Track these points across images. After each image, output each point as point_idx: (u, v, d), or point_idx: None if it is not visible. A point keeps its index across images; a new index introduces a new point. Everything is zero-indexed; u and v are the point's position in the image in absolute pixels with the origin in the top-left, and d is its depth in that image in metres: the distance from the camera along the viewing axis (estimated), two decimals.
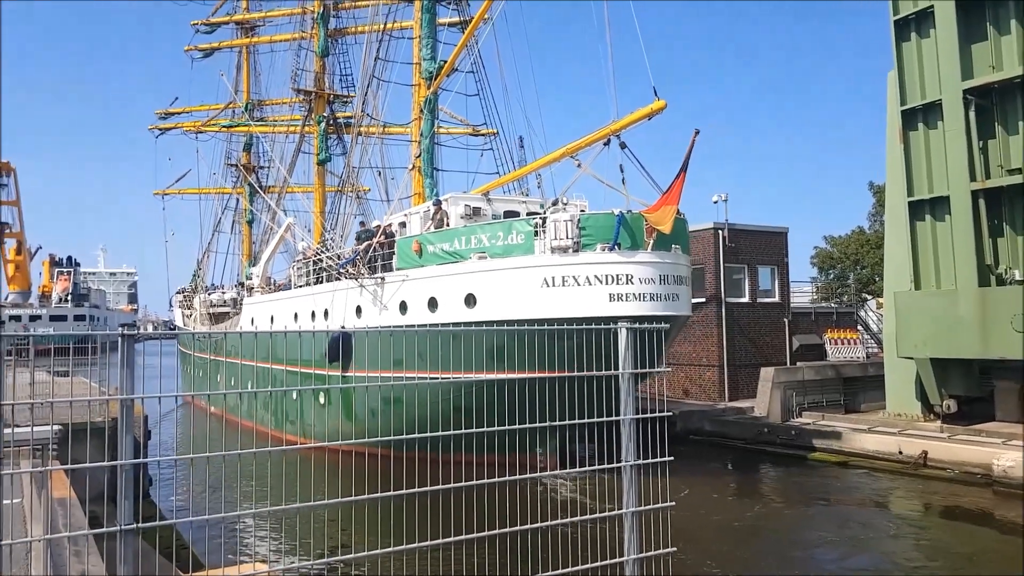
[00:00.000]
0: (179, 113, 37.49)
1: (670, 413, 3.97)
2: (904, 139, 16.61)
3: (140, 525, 2.92)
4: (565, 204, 14.99)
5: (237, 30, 35.33)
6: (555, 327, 4.86)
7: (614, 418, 3.74)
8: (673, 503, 3.80)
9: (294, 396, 18.68)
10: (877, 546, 10.53)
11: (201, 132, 35.23)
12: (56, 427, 7.04)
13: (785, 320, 22.43)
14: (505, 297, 13.71)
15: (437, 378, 11.95)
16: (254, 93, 35.54)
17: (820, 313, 24.49)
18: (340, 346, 16.40)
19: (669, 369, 21.06)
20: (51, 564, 4.53)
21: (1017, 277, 14.80)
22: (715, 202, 22.31)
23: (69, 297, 76.68)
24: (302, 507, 3.48)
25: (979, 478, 13.53)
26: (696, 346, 21.50)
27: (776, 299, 22.53)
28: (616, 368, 3.81)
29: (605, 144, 14.38)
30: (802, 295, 26.67)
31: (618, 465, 3.68)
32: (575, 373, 4.17)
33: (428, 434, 3.69)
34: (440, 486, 3.65)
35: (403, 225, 17.72)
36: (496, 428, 4.02)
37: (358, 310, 16.76)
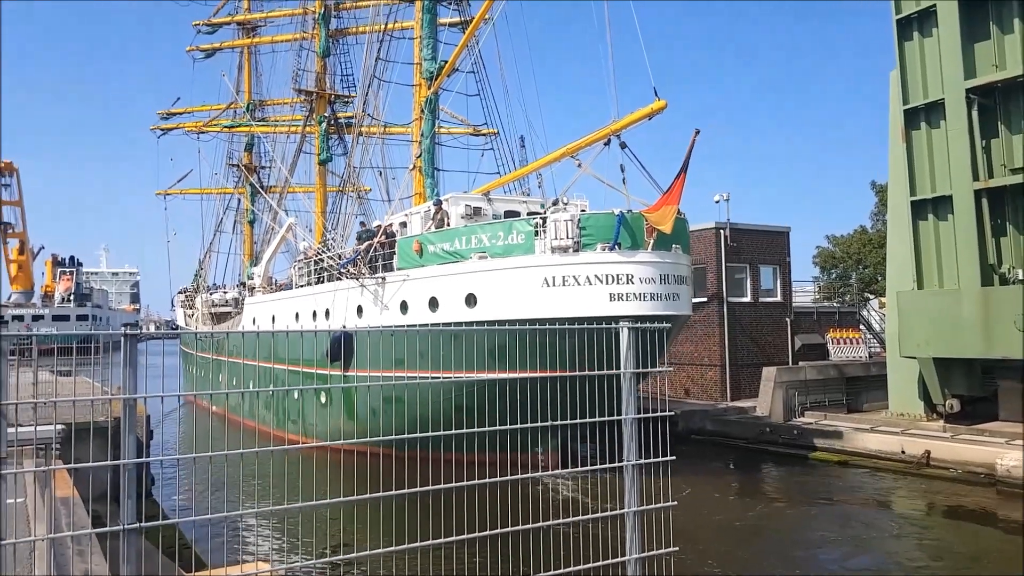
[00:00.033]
0: (181, 113, 37.58)
1: (672, 413, 3.97)
2: (907, 138, 16.57)
3: (143, 524, 2.93)
4: (566, 204, 14.99)
5: (238, 30, 35.39)
6: (556, 327, 4.85)
7: (616, 417, 3.74)
8: (675, 503, 3.80)
9: (295, 396, 18.70)
10: (880, 546, 10.51)
11: (203, 132, 35.32)
12: (59, 427, 7.06)
13: (787, 320, 22.40)
14: (505, 297, 13.72)
15: (439, 378, 11.98)
16: (255, 93, 35.61)
17: (822, 313, 24.46)
18: (341, 346, 16.42)
19: (671, 369, 21.05)
20: (54, 563, 4.54)
21: (1020, 277, 14.76)
22: (717, 201, 22.30)
23: (72, 297, 76.88)
24: (304, 506, 3.49)
25: (982, 478, 13.50)
26: (698, 346, 21.48)
27: (778, 298, 22.50)
28: (617, 367, 3.81)
29: (605, 144, 14.38)
30: (804, 295, 26.63)
31: (620, 464, 3.68)
32: (576, 373, 4.16)
33: (430, 433, 3.69)
34: (442, 485, 3.65)
35: (404, 225, 17.73)
36: (497, 428, 4.02)
37: (359, 310, 16.78)
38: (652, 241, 13.48)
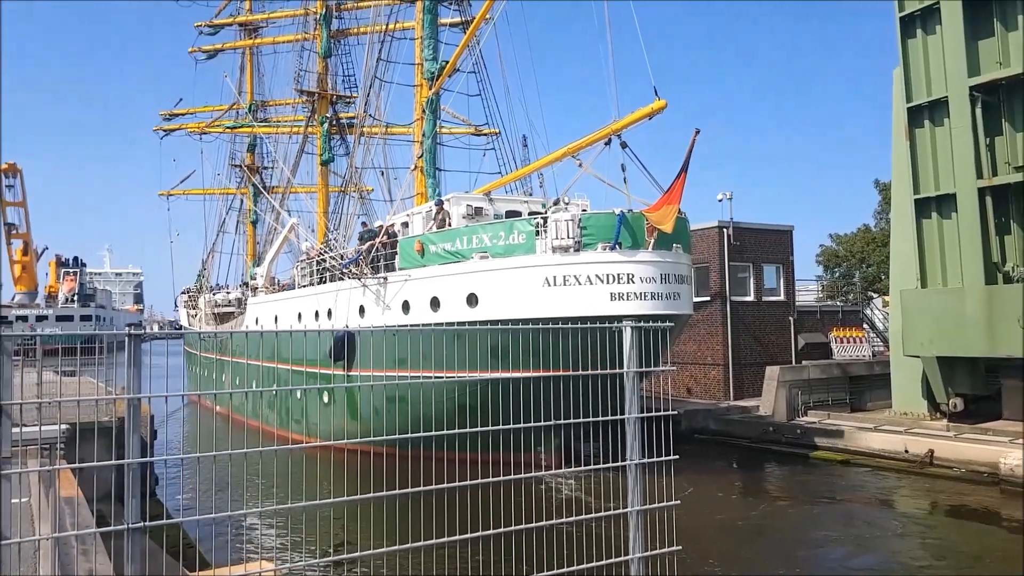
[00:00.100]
0: (183, 114, 37.67)
1: (675, 412, 3.97)
2: (910, 136, 16.52)
3: (147, 524, 2.94)
4: (567, 204, 14.99)
5: (240, 31, 35.45)
6: (557, 327, 4.86)
7: (619, 417, 3.74)
8: (678, 502, 3.80)
9: (298, 395, 18.74)
10: (883, 545, 10.48)
11: (205, 133, 35.40)
12: (63, 426, 7.09)
13: (790, 319, 22.35)
14: (507, 296, 13.74)
15: (441, 377, 11.99)
16: (258, 94, 35.67)
17: (826, 311, 24.40)
18: (344, 345, 16.46)
19: (674, 368, 21.03)
20: (59, 563, 4.56)
21: None
22: (720, 200, 22.26)
23: (75, 297, 77.05)
24: (307, 505, 3.50)
25: (986, 477, 13.46)
26: (701, 345, 21.45)
27: (781, 297, 22.45)
28: (618, 367, 3.80)
29: (606, 144, 14.38)
30: (807, 293, 26.57)
31: (623, 464, 3.68)
32: (579, 372, 4.16)
33: (432, 433, 3.70)
34: (445, 485, 3.66)
35: (405, 225, 17.75)
36: (500, 427, 4.02)
37: (361, 310, 16.81)
38: (653, 241, 13.49)
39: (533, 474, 11.60)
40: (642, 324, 3.85)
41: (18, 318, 67.01)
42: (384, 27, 20.79)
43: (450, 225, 15.85)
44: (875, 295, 31.18)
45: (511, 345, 12.07)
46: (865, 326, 24.97)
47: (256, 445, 3.35)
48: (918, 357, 16.58)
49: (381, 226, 18.08)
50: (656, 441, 3.81)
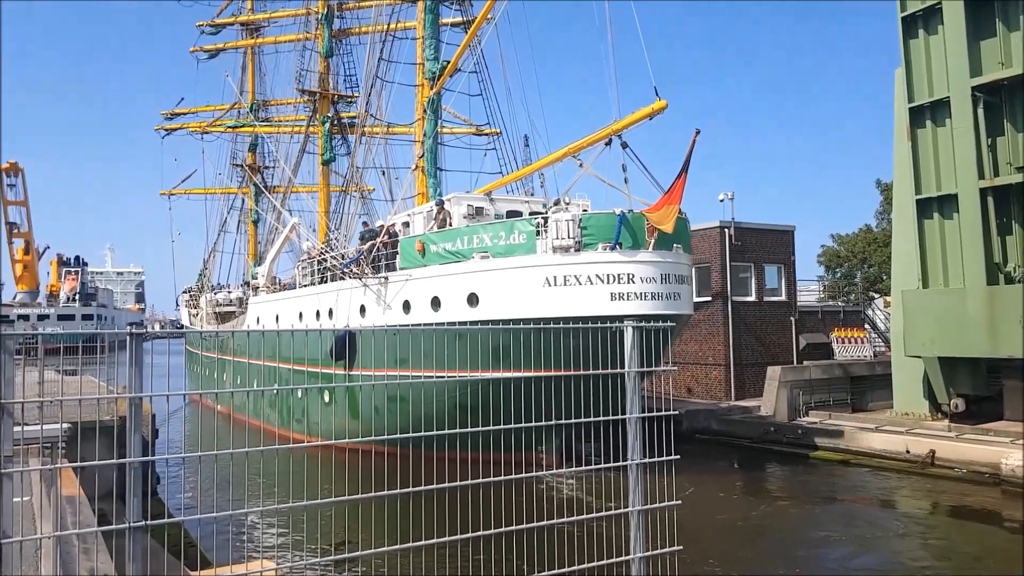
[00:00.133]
0: (185, 114, 37.70)
1: (676, 412, 3.97)
2: (912, 136, 16.50)
3: (148, 523, 2.94)
4: (567, 204, 14.99)
5: (242, 31, 35.47)
6: (558, 326, 4.87)
7: (620, 416, 3.74)
8: (679, 502, 3.80)
9: (299, 395, 18.75)
10: (884, 545, 10.47)
11: (207, 133, 35.42)
12: (65, 425, 7.09)
13: (792, 319, 22.33)
14: (507, 296, 13.74)
15: (442, 377, 12.00)
16: (259, 94, 35.69)
17: (827, 312, 24.38)
18: (345, 345, 16.47)
19: (675, 368, 21.02)
20: (60, 562, 4.57)
21: None
22: (721, 200, 22.24)
23: (77, 296, 77.20)
24: (308, 505, 3.50)
25: (987, 477, 13.44)
26: (702, 345, 21.44)
27: (783, 298, 22.44)
28: (618, 367, 3.80)
29: (607, 144, 14.38)
30: (809, 294, 26.54)
31: (624, 464, 3.68)
32: (581, 372, 4.16)
33: (434, 432, 3.70)
34: (446, 484, 3.66)
35: (406, 225, 17.76)
36: (501, 427, 4.02)
37: (362, 309, 16.82)
38: (653, 241, 13.49)
39: (534, 474, 11.60)
40: (643, 324, 3.85)
41: (20, 317, 67.09)
42: (385, 27, 20.80)
43: (451, 225, 15.85)
44: (876, 295, 31.14)
45: (512, 345, 12.08)
46: (866, 326, 24.94)
47: (257, 444, 3.36)
48: (919, 357, 16.56)
49: (382, 226, 18.10)
50: (657, 441, 3.81)
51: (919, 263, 16.33)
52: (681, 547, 3.73)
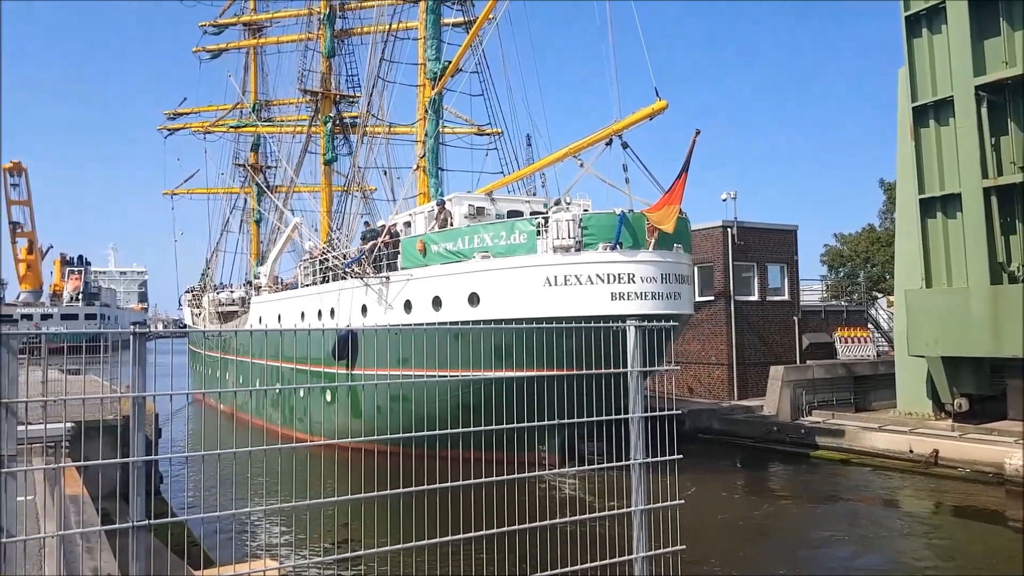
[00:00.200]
0: (187, 113, 37.76)
1: (679, 411, 3.96)
2: (915, 136, 16.45)
3: (152, 522, 2.94)
4: (568, 204, 14.99)
5: (244, 31, 35.51)
6: (560, 325, 4.87)
7: (623, 416, 3.73)
8: (682, 501, 3.79)
9: (301, 394, 18.78)
10: (888, 545, 10.45)
11: (209, 132, 35.45)
12: (68, 425, 7.11)
13: (795, 318, 22.29)
14: (508, 296, 13.75)
15: (444, 376, 12.01)
16: (261, 94, 35.75)
17: (830, 311, 24.32)
18: (346, 344, 16.49)
19: (678, 368, 21.00)
20: (64, 561, 4.58)
21: None
22: (724, 200, 22.22)
23: (80, 296, 77.43)
24: (311, 504, 3.50)
25: (991, 477, 13.41)
26: (705, 344, 21.41)
27: (786, 297, 22.40)
28: (619, 366, 3.80)
29: (607, 144, 14.38)
30: (812, 293, 26.49)
31: (627, 463, 3.67)
32: (582, 371, 4.16)
33: (436, 432, 3.70)
34: (448, 484, 3.66)
35: (408, 225, 17.77)
36: (504, 426, 4.02)
37: (363, 309, 16.83)
38: (653, 240, 13.49)
39: (536, 473, 11.60)
40: (646, 324, 3.84)
41: (23, 316, 67.29)
42: (387, 27, 20.81)
43: (452, 225, 15.86)
44: (880, 295, 31.07)
45: (514, 344, 12.07)
46: (870, 326, 24.88)
47: (260, 443, 3.36)
48: (923, 357, 16.51)
49: (383, 226, 18.11)
50: (660, 440, 3.80)
51: (922, 262, 16.29)
52: (684, 547, 3.73)
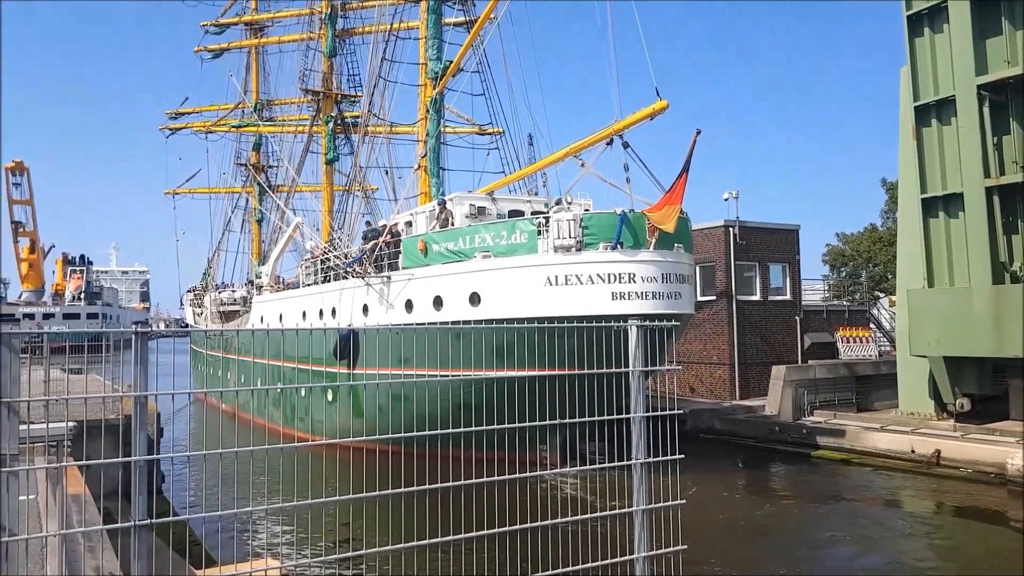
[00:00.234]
0: (189, 113, 37.81)
1: (681, 411, 3.96)
2: (917, 135, 16.41)
3: (153, 521, 2.95)
4: (569, 203, 14.98)
5: (246, 31, 35.54)
6: (562, 325, 4.87)
7: (624, 416, 3.73)
8: (683, 501, 3.79)
9: (303, 393, 18.80)
10: (890, 545, 10.43)
11: (211, 132, 35.48)
12: (70, 424, 7.12)
13: (797, 318, 22.26)
14: (509, 296, 13.75)
15: (446, 375, 12.01)
16: (263, 93, 35.77)
17: (832, 311, 24.29)
18: (348, 344, 16.50)
19: (680, 367, 20.98)
20: (66, 560, 4.58)
21: None
22: (726, 199, 22.20)
23: (82, 295, 77.52)
24: (313, 503, 3.50)
25: (993, 477, 13.38)
26: (707, 344, 21.39)
27: (787, 297, 22.37)
28: (619, 366, 3.80)
29: (608, 144, 14.37)
30: (814, 293, 26.46)
31: (629, 463, 3.67)
32: (584, 371, 4.16)
33: (438, 431, 3.70)
34: (450, 483, 3.66)
35: (409, 224, 17.78)
36: (505, 426, 4.01)
37: (365, 308, 16.84)
38: (654, 240, 13.49)
39: (537, 473, 11.60)
40: (648, 323, 3.84)
41: (25, 316, 67.44)
42: (389, 27, 20.80)
43: (453, 224, 15.86)
44: (882, 295, 31.02)
45: (516, 344, 12.07)
46: (872, 326, 24.84)
47: (261, 443, 3.36)
48: (925, 357, 16.48)
49: (385, 225, 18.12)
50: (661, 440, 3.80)
51: (924, 262, 16.26)
52: (685, 547, 3.72)
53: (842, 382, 19.83)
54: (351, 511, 9.68)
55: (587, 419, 4.15)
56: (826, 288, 29.67)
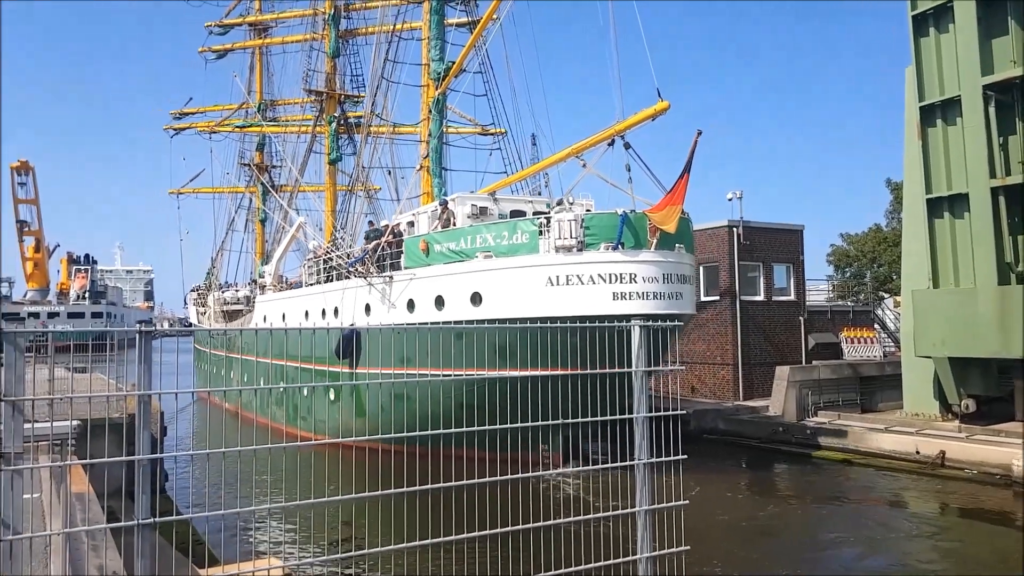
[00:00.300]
0: (193, 113, 37.95)
1: (684, 411, 3.95)
2: (922, 135, 16.35)
3: (157, 520, 2.95)
4: (571, 203, 14.98)
5: (250, 31, 35.64)
6: (565, 325, 4.86)
7: (627, 416, 3.72)
8: (686, 502, 3.77)
9: (305, 392, 18.84)
10: (894, 546, 10.39)
11: (215, 132, 35.62)
12: (75, 423, 7.14)
13: (801, 318, 22.19)
14: (510, 295, 13.76)
15: (447, 375, 12.01)
16: (267, 93, 35.85)
17: (836, 311, 24.21)
18: (350, 343, 16.53)
19: (683, 368, 20.94)
20: (69, 559, 4.60)
21: None
22: (729, 199, 22.14)
23: (87, 294, 77.85)
24: (315, 503, 3.51)
25: (998, 479, 13.31)
26: (710, 344, 21.35)
27: (791, 297, 22.31)
28: (621, 366, 3.79)
29: (609, 144, 14.37)
30: (818, 293, 26.38)
31: (631, 463, 3.66)
32: (587, 371, 4.15)
33: (440, 431, 3.69)
34: (452, 483, 3.66)
35: (411, 224, 17.80)
36: (508, 426, 4.01)
37: (367, 308, 16.87)
38: (655, 241, 13.49)
39: (539, 473, 11.59)
40: (651, 323, 3.83)
41: (30, 315, 67.78)
42: (391, 27, 20.83)
43: (455, 224, 15.87)
44: (886, 295, 30.91)
45: (518, 344, 12.07)
46: (876, 326, 24.76)
47: (264, 442, 3.36)
48: (930, 358, 16.41)
49: (387, 225, 18.15)
50: (664, 440, 3.78)
51: (929, 263, 16.19)
52: (688, 547, 3.71)
53: (846, 383, 19.77)
54: (353, 510, 9.68)
55: (590, 419, 4.15)
56: (830, 288, 29.59)
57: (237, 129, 35.35)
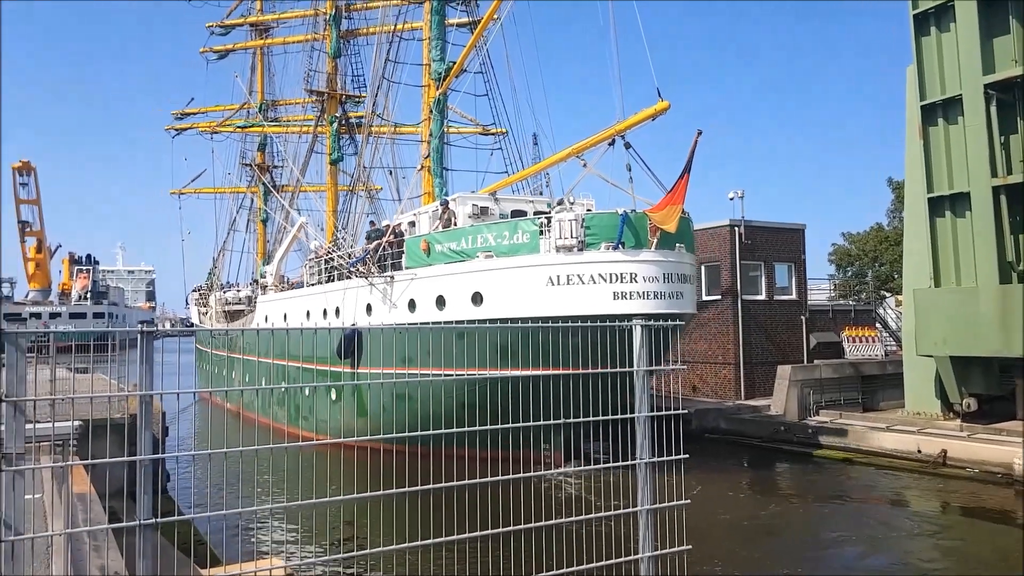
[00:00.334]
0: (195, 114, 38.00)
1: (686, 411, 3.95)
2: (924, 134, 16.32)
3: (158, 520, 2.95)
4: (572, 203, 14.98)
5: (251, 32, 35.67)
6: (566, 324, 4.86)
7: (629, 415, 3.72)
8: (688, 501, 3.77)
9: (307, 392, 18.85)
10: (896, 545, 10.38)
11: (216, 132, 35.67)
12: (76, 423, 7.15)
13: (802, 317, 22.17)
14: (511, 295, 13.77)
15: (449, 375, 12.02)
16: (268, 94, 35.88)
17: (838, 311, 24.19)
18: (351, 343, 16.55)
19: (684, 367, 20.93)
20: (71, 559, 4.61)
21: None
22: (731, 199, 22.12)
23: (88, 295, 77.95)
24: (317, 503, 3.51)
25: (1000, 477, 13.30)
26: (712, 343, 21.34)
27: (793, 296, 22.29)
28: (622, 365, 3.78)
29: (610, 144, 14.37)
30: (819, 292, 26.35)
31: (633, 462, 3.66)
32: (588, 371, 4.15)
33: (442, 431, 3.70)
34: (454, 483, 3.66)
35: (412, 224, 17.81)
36: (509, 425, 4.01)
37: (368, 308, 16.88)
38: (656, 240, 13.49)
39: (541, 472, 11.59)
40: (652, 323, 3.82)
41: (32, 315, 67.88)
42: (392, 28, 20.84)
43: (456, 224, 15.88)
44: (888, 294, 30.87)
45: (519, 343, 12.07)
46: (878, 325, 24.73)
47: (266, 442, 3.37)
48: (931, 357, 16.39)
49: (388, 225, 18.16)
50: (666, 440, 3.78)
51: (931, 262, 16.16)
52: (690, 547, 3.71)
53: (848, 382, 19.75)
54: (355, 510, 9.69)
55: (591, 419, 4.15)
56: (832, 288, 29.56)
57: (239, 129, 35.39)
